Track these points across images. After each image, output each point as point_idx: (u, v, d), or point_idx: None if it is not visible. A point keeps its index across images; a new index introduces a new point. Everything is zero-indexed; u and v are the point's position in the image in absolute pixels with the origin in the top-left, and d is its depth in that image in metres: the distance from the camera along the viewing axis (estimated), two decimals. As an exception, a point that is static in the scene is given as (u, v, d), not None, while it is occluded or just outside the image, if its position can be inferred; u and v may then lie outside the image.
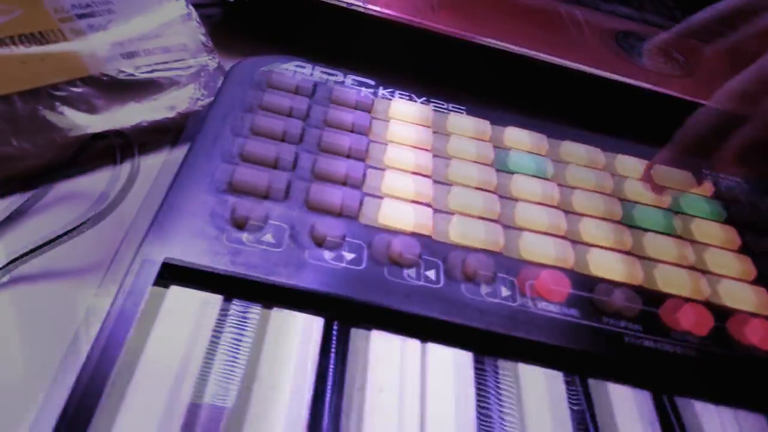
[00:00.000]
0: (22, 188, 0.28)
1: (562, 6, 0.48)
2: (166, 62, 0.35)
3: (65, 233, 0.24)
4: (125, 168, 0.26)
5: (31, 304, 0.24)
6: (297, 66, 0.32)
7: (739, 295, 0.26)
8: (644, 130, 0.40)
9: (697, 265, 0.27)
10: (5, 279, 0.24)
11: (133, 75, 0.33)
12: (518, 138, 0.31)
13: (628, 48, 0.45)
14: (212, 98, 0.34)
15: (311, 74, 0.32)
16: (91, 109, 0.31)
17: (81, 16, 0.33)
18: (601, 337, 0.23)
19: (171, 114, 0.33)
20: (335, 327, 0.21)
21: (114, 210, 0.25)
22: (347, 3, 0.39)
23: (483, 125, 0.32)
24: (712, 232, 0.29)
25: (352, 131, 0.29)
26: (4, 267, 0.24)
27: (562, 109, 0.42)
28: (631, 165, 0.32)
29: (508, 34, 0.41)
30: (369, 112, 0.30)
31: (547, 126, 0.33)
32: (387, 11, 0.39)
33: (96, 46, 0.33)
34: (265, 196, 0.24)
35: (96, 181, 0.29)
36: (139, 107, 0.32)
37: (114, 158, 0.29)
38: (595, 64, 0.42)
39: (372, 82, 0.33)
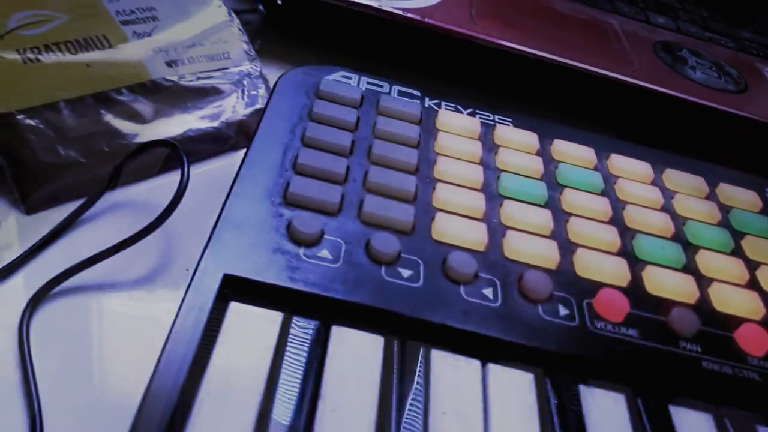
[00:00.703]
0: (69, 198, 0.28)
1: (598, 13, 0.48)
2: (209, 70, 0.34)
3: (117, 246, 0.24)
4: (175, 179, 0.26)
5: (82, 318, 0.24)
6: (343, 76, 0.32)
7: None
8: (693, 144, 0.39)
9: (753, 284, 0.27)
10: (56, 291, 0.24)
11: (177, 83, 0.33)
12: (566, 151, 0.31)
13: (670, 60, 0.44)
14: (254, 107, 0.34)
15: (358, 84, 0.32)
16: (138, 118, 0.31)
17: (125, 23, 0.33)
18: (676, 362, 0.22)
19: (216, 123, 0.33)
20: (395, 346, 0.21)
21: (164, 222, 0.25)
22: (386, 12, 0.39)
23: (530, 138, 0.31)
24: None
25: (403, 144, 0.28)
26: (54, 280, 0.24)
27: (607, 120, 0.42)
28: (680, 180, 0.31)
29: (548, 44, 0.41)
30: (417, 123, 0.30)
31: (594, 138, 0.33)
32: (429, 20, 0.39)
33: (141, 54, 0.33)
34: (321, 209, 0.24)
35: (144, 192, 0.28)
36: (186, 116, 0.32)
37: (163, 168, 0.29)
38: (641, 76, 0.41)
39: (417, 93, 0.32)
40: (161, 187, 0.28)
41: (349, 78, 0.32)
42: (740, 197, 0.32)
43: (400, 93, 0.32)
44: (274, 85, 0.30)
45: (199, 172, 0.31)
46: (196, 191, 0.27)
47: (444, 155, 0.29)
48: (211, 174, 0.31)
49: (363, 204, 0.25)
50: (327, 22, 0.41)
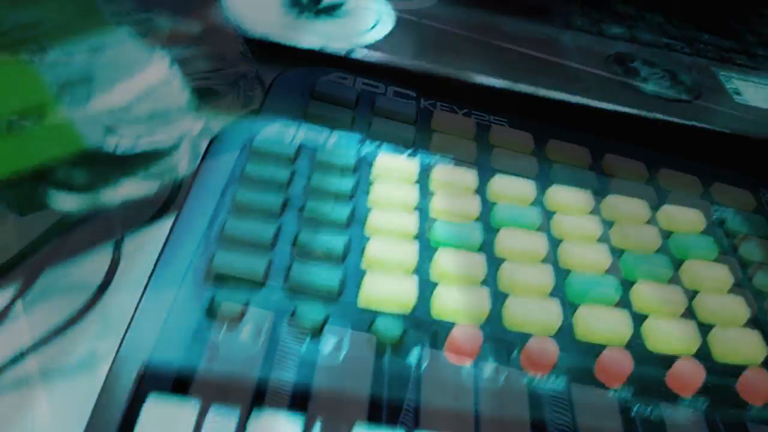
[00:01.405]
0: (5, 279, 0.28)
1: (551, 30, 0.48)
2: (151, 130, 0.35)
3: (42, 341, 0.24)
4: (110, 253, 0.26)
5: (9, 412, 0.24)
6: (280, 126, 0.32)
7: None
8: (647, 156, 0.39)
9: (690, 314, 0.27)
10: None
11: (117, 148, 0.33)
12: (504, 188, 0.31)
13: (622, 72, 0.44)
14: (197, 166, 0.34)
15: (295, 135, 0.32)
16: (77, 187, 0.31)
17: (60, 90, 0.33)
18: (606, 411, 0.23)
19: (157, 187, 0.33)
20: (319, 425, 0.21)
21: (97, 302, 0.25)
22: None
23: (469, 176, 0.31)
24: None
25: (337, 196, 0.28)
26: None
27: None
28: (620, 206, 0.31)
29: (497, 68, 0.41)
30: (353, 172, 0.30)
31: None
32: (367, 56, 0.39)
33: (77, 121, 0.33)
34: (247, 281, 0.24)
35: (82, 269, 0.29)
36: (126, 182, 0.32)
37: (100, 241, 0.29)
38: (591, 94, 0.41)
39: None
40: (99, 263, 0.28)
41: (287, 128, 0.32)
42: (683, 218, 0.32)
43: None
44: (210, 143, 0.30)
45: (140, 239, 0.31)
46: (138, 259, 0.27)
47: (378, 206, 0.29)
48: (154, 240, 0.31)
49: (290, 270, 0.25)
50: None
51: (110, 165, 0.32)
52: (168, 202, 0.33)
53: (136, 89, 0.35)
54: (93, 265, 0.28)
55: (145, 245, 0.30)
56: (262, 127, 0.32)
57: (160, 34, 0.39)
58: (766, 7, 0.60)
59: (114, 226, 0.28)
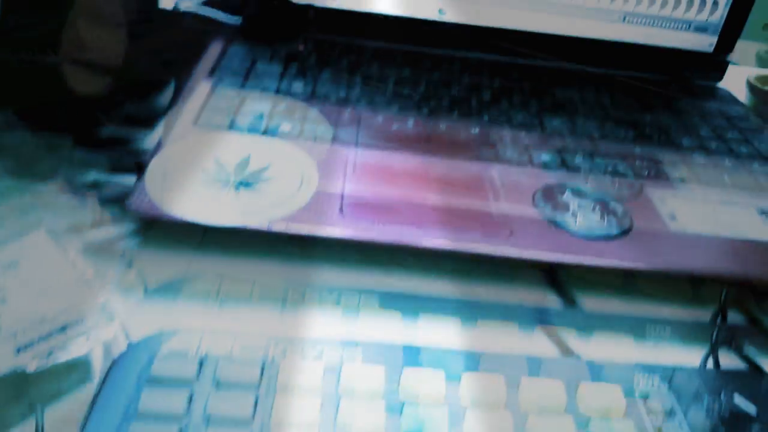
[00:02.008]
0: None
1: (479, 166, 0.48)
2: (62, 343, 0.34)
3: None
4: None
5: None
6: (180, 341, 0.32)
7: None
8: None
9: None
10: None
11: (28, 368, 0.33)
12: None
13: (550, 209, 0.44)
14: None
15: (198, 349, 0.32)
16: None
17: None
18: None
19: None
20: None
21: None
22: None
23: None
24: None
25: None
26: None
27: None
28: (536, 391, 0.31)
29: (419, 226, 0.41)
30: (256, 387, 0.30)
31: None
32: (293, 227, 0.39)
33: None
34: None
35: None
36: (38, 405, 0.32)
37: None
38: (516, 242, 0.41)
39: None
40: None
41: (188, 341, 0.32)
42: (602, 398, 0.31)
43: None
44: (107, 373, 0.30)
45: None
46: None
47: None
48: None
49: None
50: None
51: (21, 387, 0.32)
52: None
53: (50, 301, 0.35)
54: None
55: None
56: (163, 341, 0.32)
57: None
58: (697, 114, 0.61)
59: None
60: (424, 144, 0.49)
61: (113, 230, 0.42)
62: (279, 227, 0.39)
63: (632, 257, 0.41)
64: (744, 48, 0.65)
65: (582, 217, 0.44)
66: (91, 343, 0.35)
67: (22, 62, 0.40)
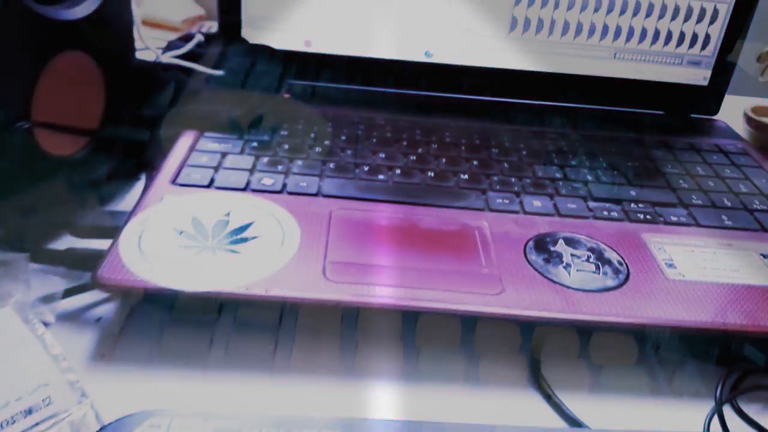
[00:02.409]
0: None
1: (468, 216, 0.46)
2: (29, 427, 0.33)
3: None
4: None
5: None
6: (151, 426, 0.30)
7: None
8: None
9: None
10: None
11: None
12: None
13: (542, 261, 0.42)
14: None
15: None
16: None
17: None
18: None
19: None
20: None
21: None
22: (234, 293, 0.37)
23: None
24: None
25: None
26: None
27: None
28: None
29: (407, 284, 0.39)
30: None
31: None
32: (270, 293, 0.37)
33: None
34: None
35: None
36: None
37: None
38: (506, 300, 0.39)
39: None
40: None
41: (162, 423, 0.30)
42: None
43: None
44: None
45: None
46: None
47: None
48: None
49: None
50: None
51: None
52: None
53: (12, 380, 0.34)
54: None
55: None
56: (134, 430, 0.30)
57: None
58: (693, 150, 0.59)
59: None
60: (412, 193, 0.47)
61: (86, 298, 0.40)
62: (257, 291, 0.37)
63: (630, 312, 0.39)
64: (740, 78, 0.63)
65: (576, 269, 0.42)
66: (60, 427, 0.33)
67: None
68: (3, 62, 0.38)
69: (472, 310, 0.38)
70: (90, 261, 0.38)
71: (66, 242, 0.42)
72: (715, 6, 0.59)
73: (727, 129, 0.63)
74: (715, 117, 0.64)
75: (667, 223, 0.48)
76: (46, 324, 0.38)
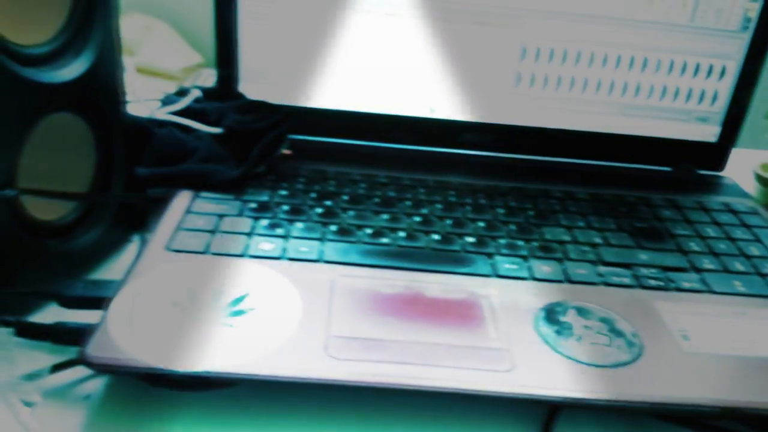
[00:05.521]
0: None
1: (476, 284, 0.44)
2: None
3: None
4: None
5: None
6: None
7: None
8: None
9: None
10: None
11: None
12: None
13: (553, 335, 0.40)
14: None
15: None
16: None
17: None
18: None
19: None
20: None
21: None
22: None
23: None
24: None
25: None
26: None
27: None
28: None
29: (412, 368, 0.37)
30: None
31: None
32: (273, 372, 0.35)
33: None
34: None
35: None
36: None
37: None
38: (514, 380, 0.37)
39: None
40: None
41: None
42: None
43: None
44: None
45: None
46: None
47: None
48: None
49: None
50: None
51: None
52: None
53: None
54: None
55: None
56: None
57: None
58: (702, 210, 0.58)
59: None
60: (417, 258, 0.46)
61: (74, 373, 0.38)
62: (253, 371, 0.35)
63: (647, 391, 0.37)
64: (744, 132, 0.62)
65: (589, 341, 0.40)
66: None
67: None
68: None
69: (482, 389, 0.36)
70: (78, 334, 0.36)
71: (53, 314, 0.40)
72: (723, 65, 0.58)
73: (735, 186, 0.62)
74: (721, 173, 0.63)
75: (679, 289, 0.46)
76: (29, 405, 0.35)
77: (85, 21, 0.43)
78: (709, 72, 0.58)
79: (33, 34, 0.40)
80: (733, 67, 0.58)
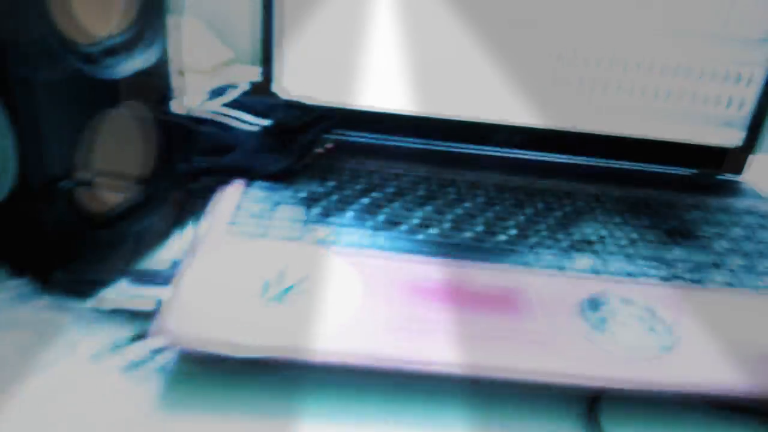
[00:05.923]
0: None
1: (517, 273, 0.46)
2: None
3: None
4: None
5: None
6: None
7: None
8: None
9: None
10: None
11: None
12: None
13: (597, 322, 0.42)
14: None
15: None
16: None
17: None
18: None
19: None
20: None
21: None
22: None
23: None
24: None
25: None
26: None
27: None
28: None
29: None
30: None
31: None
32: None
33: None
34: None
35: None
36: None
37: None
38: (571, 367, 0.39)
39: None
40: None
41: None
42: None
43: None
44: None
45: None
46: None
47: None
48: None
49: None
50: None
51: None
52: None
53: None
54: None
55: None
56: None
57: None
58: (727, 208, 0.60)
59: None
60: (463, 249, 0.48)
61: (149, 345, 0.40)
62: (327, 356, 0.37)
63: (684, 377, 0.39)
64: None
65: (629, 329, 0.42)
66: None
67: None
68: (50, 124, 0.38)
69: (535, 378, 0.38)
70: (148, 312, 0.38)
71: (122, 290, 0.41)
72: (751, 72, 0.60)
73: (753, 192, 0.64)
74: (739, 178, 0.65)
75: (713, 284, 0.48)
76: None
77: (147, 19, 0.45)
78: (738, 79, 0.60)
79: (96, 32, 0.41)
80: (760, 74, 0.60)
